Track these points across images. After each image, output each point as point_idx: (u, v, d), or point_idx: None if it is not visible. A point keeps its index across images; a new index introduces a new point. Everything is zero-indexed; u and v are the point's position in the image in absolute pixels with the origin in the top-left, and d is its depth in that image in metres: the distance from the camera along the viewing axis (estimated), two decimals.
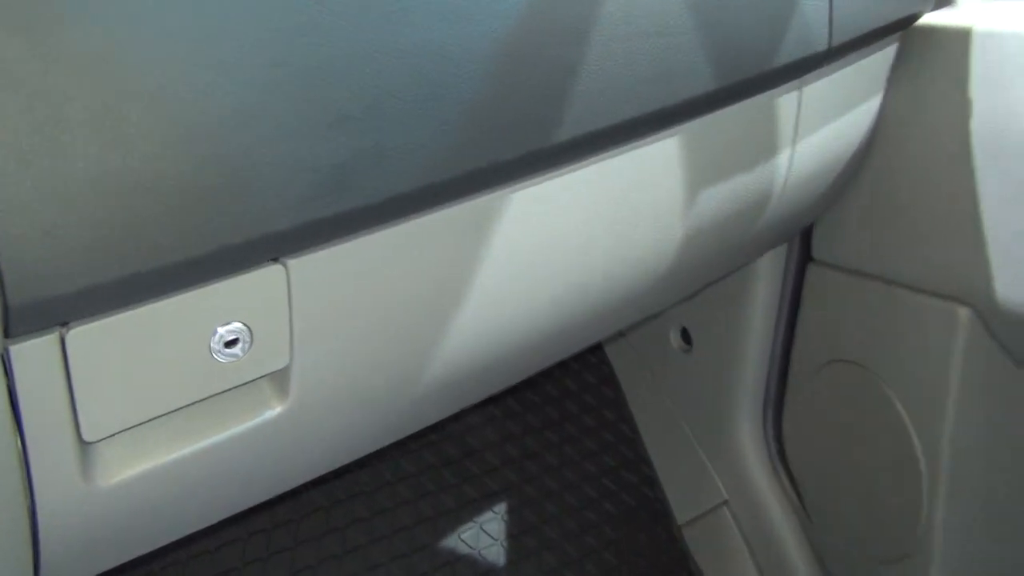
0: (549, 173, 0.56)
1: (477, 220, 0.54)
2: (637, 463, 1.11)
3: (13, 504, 0.44)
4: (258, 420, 0.51)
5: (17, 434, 0.43)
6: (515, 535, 1.02)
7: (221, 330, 0.47)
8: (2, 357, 0.42)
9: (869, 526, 0.92)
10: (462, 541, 0.99)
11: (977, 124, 0.74)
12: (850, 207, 0.87)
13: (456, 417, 1.06)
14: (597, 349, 1.17)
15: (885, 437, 0.87)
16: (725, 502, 1.07)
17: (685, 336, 1.07)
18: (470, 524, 1.01)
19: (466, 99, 0.49)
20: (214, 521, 0.57)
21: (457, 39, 0.48)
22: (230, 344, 0.47)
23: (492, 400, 1.09)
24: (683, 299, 1.05)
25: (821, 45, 0.66)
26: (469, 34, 0.48)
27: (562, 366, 1.14)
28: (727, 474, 1.07)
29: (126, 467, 0.47)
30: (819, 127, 0.74)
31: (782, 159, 0.72)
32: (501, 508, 1.03)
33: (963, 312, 0.78)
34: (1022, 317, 0.74)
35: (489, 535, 1.01)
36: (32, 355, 0.42)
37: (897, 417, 0.85)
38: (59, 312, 0.41)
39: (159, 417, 0.47)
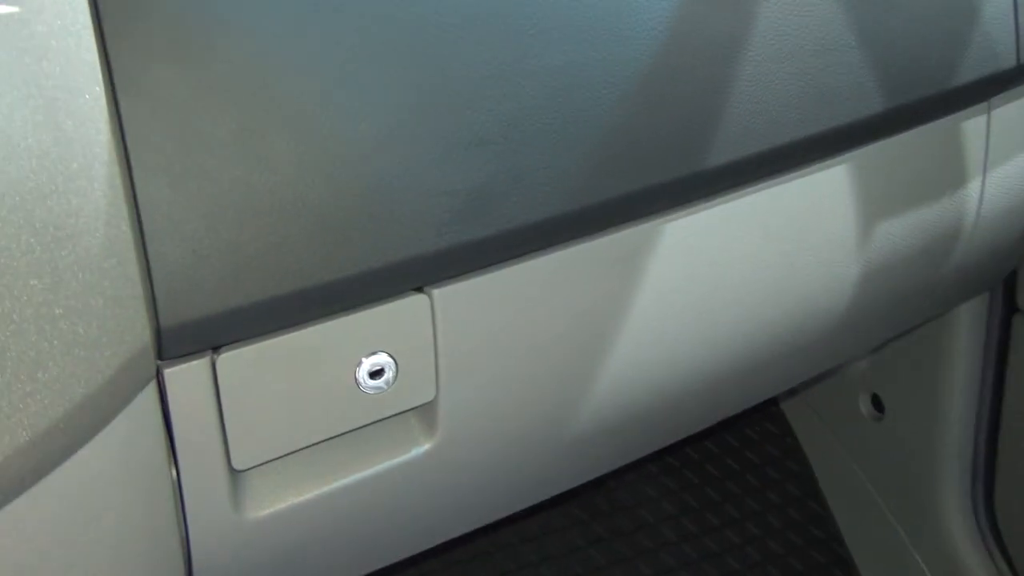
0: (704, 203, 0.54)
1: (627, 252, 0.52)
2: (828, 543, 1.02)
3: (169, 532, 0.45)
4: (406, 456, 0.50)
5: (172, 461, 0.44)
6: None
7: (367, 361, 0.46)
8: (157, 381, 0.43)
9: None
10: None
11: None
12: None
13: (629, 487, 1.01)
14: (779, 418, 1.09)
15: None
16: None
17: (876, 403, 0.98)
18: None
19: (608, 122, 0.47)
20: (365, 572, 0.56)
21: (597, 61, 0.47)
22: (375, 375, 0.47)
23: (667, 471, 1.03)
24: (868, 354, 0.97)
25: (1009, 62, 0.61)
26: (610, 55, 0.47)
27: (741, 436, 1.07)
28: (933, 557, 0.96)
29: (276, 500, 0.47)
30: (1013, 155, 0.67)
31: (971, 192, 0.66)
32: (673, 561, 0.97)
33: None
34: None
35: None
36: (185, 379, 0.43)
37: None
38: (210, 334, 0.42)
39: (307, 448, 0.47)
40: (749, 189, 0.55)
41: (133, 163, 0.38)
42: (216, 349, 0.43)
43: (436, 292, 0.47)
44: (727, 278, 0.56)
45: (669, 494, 1.01)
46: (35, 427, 0.35)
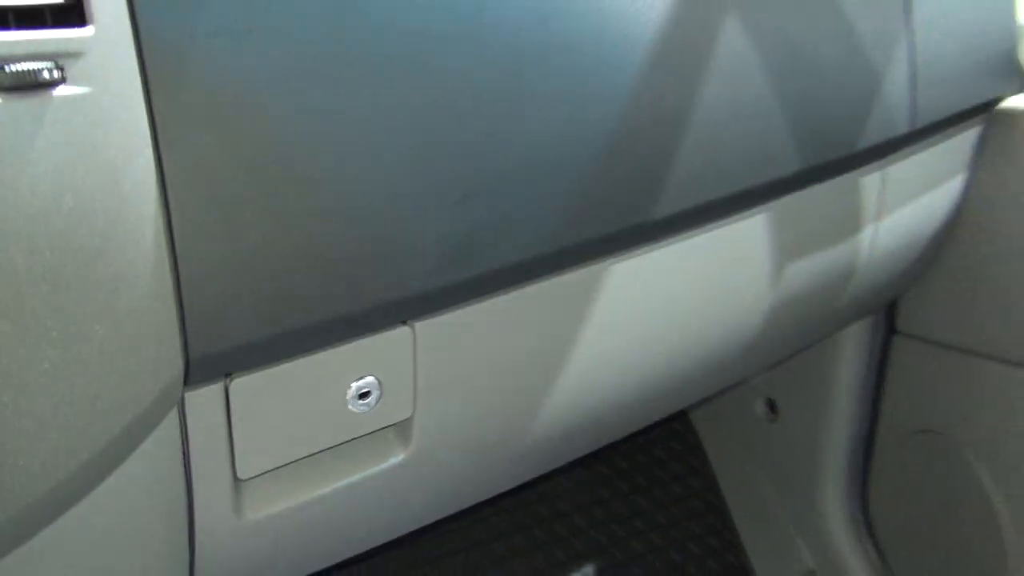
0: (649, 247, 0.62)
1: (583, 288, 0.59)
2: (722, 530, 1.13)
3: (178, 534, 0.50)
4: (384, 465, 0.56)
5: (186, 472, 0.50)
6: None
7: (355, 384, 0.52)
8: (179, 404, 0.48)
9: None
10: None
11: None
12: (935, 282, 0.89)
13: (547, 479, 1.09)
14: (683, 418, 1.19)
15: (972, 507, 0.88)
16: (812, 572, 1.08)
17: (771, 406, 1.10)
18: None
19: (576, 178, 0.54)
20: (342, 558, 0.62)
21: (570, 126, 0.54)
22: (363, 396, 0.53)
23: (582, 465, 1.12)
24: (769, 368, 1.08)
25: (903, 128, 0.70)
26: (581, 120, 0.54)
27: (649, 435, 1.17)
28: (813, 543, 1.08)
29: (271, 504, 0.53)
30: (903, 205, 0.78)
31: (865, 235, 0.76)
32: (589, 570, 1.06)
33: None
34: None
35: None
36: (203, 401, 0.48)
37: (983, 488, 0.86)
38: (227, 364, 0.47)
39: (301, 459, 0.53)
40: (685, 236, 0.63)
41: (174, 220, 0.43)
42: (228, 375, 0.49)
43: (418, 324, 0.53)
44: (661, 311, 0.64)
45: (583, 485, 1.10)
46: (94, 447, 0.40)
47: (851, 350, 0.99)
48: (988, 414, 0.86)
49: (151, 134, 0.42)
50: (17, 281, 0.37)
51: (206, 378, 0.47)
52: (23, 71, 0.37)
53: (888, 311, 0.96)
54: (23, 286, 0.37)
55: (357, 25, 0.47)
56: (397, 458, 0.57)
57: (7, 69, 0.37)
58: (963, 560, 0.91)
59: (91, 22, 0.39)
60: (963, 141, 0.81)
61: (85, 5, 0.39)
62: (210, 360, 0.46)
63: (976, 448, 0.87)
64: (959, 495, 0.89)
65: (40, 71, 0.38)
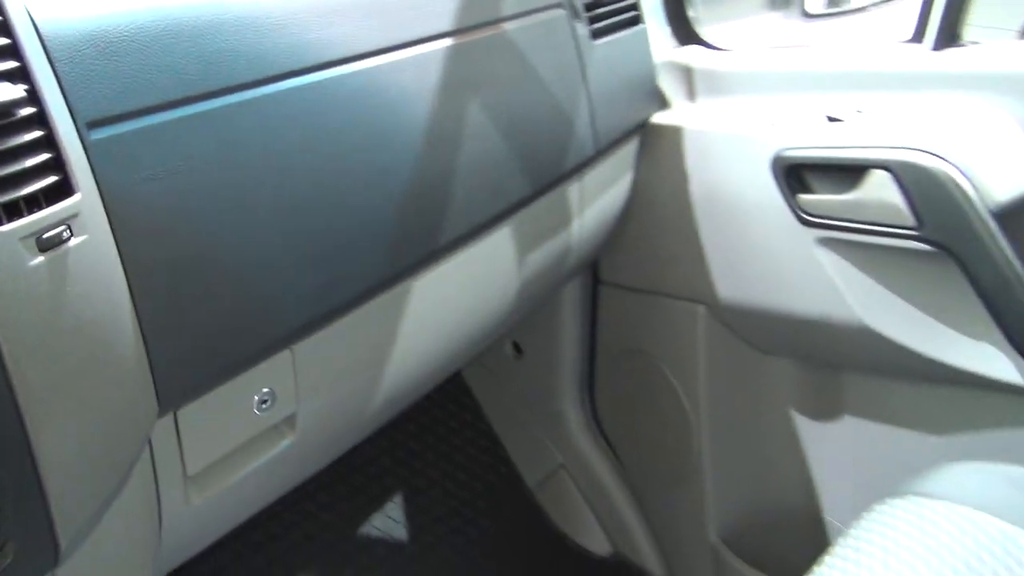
0: (438, 263, 0.88)
1: (400, 299, 0.85)
2: (493, 448, 1.44)
3: (151, 517, 0.71)
4: (279, 448, 0.80)
5: (154, 477, 0.70)
6: (411, 516, 1.32)
7: (257, 396, 0.75)
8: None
9: (661, 461, 1.30)
10: (374, 527, 1.28)
11: (693, 186, 1.12)
12: (621, 245, 1.23)
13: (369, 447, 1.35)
14: (458, 381, 1.49)
15: (665, 401, 1.25)
16: (561, 465, 1.42)
17: (516, 347, 1.41)
18: (377, 512, 1.30)
19: (390, 229, 0.79)
20: (257, 511, 0.85)
21: (381, 198, 0.78)
22: (264, 403, 0.76)
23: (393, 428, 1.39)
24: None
25: (590, 152, 1.02)
26: (387, 192, 0.79)
27: (431, 401, 1.46)
28: (560, 444, 1.42)
29: (210, 488, 0.75)
30: (596, 200, 1.10)
31: (574, 225, 1.07)
32: (399, 499, 1.33)
33: (700, 308, 1.17)
34: (734, 307, 1.14)
35: (391, 518, 1.31)
36: (162, 428, 0.69)
37: (671, 386, 1.23)
38: (177, 403, 0.68)
39: (226, 455, 0.75)
40: (460, 250, 0.90)
41: (140, 311, 0.63)
42: (177, 407, 0.70)
43: (296, 347, 0.77)
44: (452, 304, 0.92)
45: (382, 431, 1.36)
46: (122, 472, 0.61)
47: (570, 298, 1.32)
48: (669, 335, 1.22)
49: (118, 254, 0.62)
50: (56, 371, 0.57)
51: (166, 412, 0.68)
52: (53, 236, 0.56)
53: (593, 267, 1.29)
54: (59, 374, 0.57)
55: (239, 160, 0.68)
56: (288, 441, 0.80)
57: (43, 237, 0.56)
58: (667, 445, 1.28)
59: (78, 190, 0.59)
60: (629, 150, 1.14)
61: (71, 181, 0.59)
62: (170, 402, 0.67)
63: (666, 360, 1.23)
64: (660, 397, 1.26)
65: (62, 233, 0.57)
